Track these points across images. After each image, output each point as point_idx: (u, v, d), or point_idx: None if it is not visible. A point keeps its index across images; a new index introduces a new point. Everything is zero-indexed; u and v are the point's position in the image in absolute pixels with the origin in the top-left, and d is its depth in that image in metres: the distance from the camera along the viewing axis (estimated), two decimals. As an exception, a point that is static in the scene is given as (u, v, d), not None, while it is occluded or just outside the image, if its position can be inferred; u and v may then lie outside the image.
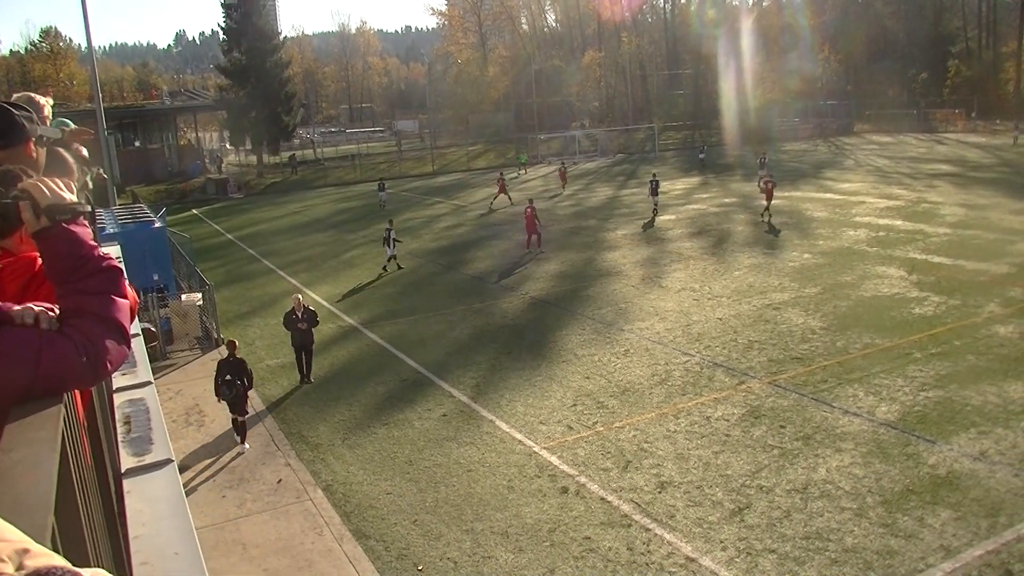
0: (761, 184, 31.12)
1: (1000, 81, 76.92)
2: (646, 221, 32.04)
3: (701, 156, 54.29)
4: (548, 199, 40.10)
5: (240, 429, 13.15)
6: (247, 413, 13.47)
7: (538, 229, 26.67)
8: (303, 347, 15.89)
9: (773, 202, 30.03)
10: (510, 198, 38.96)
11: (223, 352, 15.87)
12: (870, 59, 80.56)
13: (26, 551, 0.95)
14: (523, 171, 55.21)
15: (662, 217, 32.45)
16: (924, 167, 44.27)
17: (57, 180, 1.89)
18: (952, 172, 41.45)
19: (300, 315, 15.70)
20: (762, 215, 30.05)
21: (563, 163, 48.12)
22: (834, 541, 9.10)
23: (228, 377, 13.13)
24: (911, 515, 9.50)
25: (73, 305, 1.77)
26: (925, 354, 14.86)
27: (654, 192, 33.43)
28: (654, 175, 35.26)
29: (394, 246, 25.22)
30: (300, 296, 16.71)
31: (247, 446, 13.02)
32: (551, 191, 44.14)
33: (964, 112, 71.67)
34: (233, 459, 12.63)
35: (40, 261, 2.13)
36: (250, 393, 13.73)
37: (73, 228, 1.82)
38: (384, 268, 25.18)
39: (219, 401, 13.44)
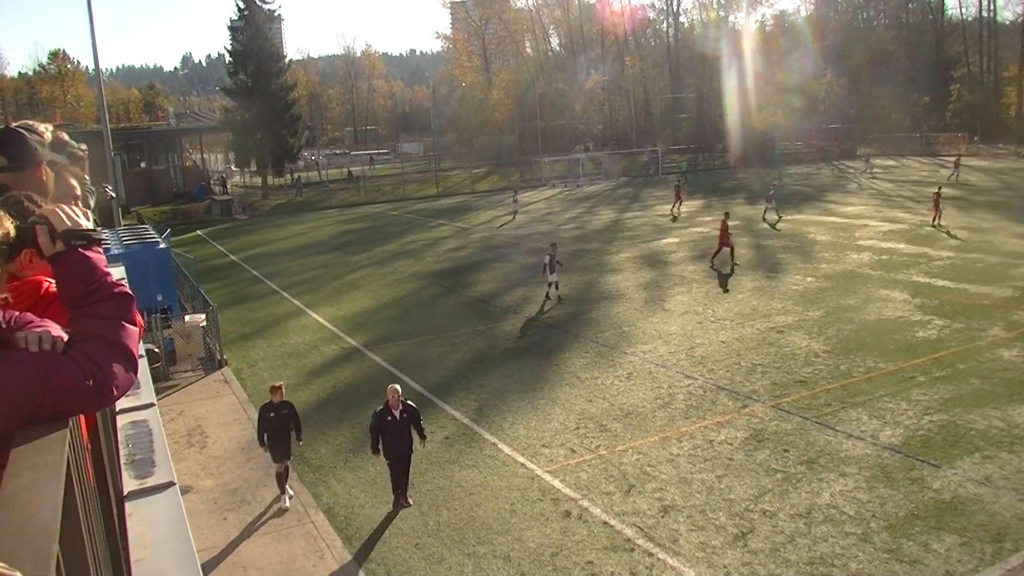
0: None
1: (1002, 105, 77.29)
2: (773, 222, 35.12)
3: (865, 167, 57.21)
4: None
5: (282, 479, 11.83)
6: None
7: (730, 242, 26.79)
8: (403, 457, 11.21)
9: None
10: (674, 211, 41.26)
11: (226, 374, 15.89)
12: (872, 83, 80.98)
13: None
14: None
15: (666, 240, 32.54)
16: (927, 190, 44.22)
17: (75, 207, 1.91)
18: (955, 195, 41.47)
19: (398, 415, 11.01)
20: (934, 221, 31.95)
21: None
22: (838, 567, 9.04)
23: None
24: (916, 540, 9.43)
25: (83, 329, 1.78)
26: (929, 378, 14.81)
27: (770, 200, 36.68)
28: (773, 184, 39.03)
29: (555, 271, 22.70)
30: (398, 387, 11.40)
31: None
32: (554, 212, 44.24)
33: (966, 136, 71.86)
34: (235, 481, 12.60)
35: (45, 284, 2.15)
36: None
37: (87, 254, 1.85)
38: (548, 296, 22.88)
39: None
